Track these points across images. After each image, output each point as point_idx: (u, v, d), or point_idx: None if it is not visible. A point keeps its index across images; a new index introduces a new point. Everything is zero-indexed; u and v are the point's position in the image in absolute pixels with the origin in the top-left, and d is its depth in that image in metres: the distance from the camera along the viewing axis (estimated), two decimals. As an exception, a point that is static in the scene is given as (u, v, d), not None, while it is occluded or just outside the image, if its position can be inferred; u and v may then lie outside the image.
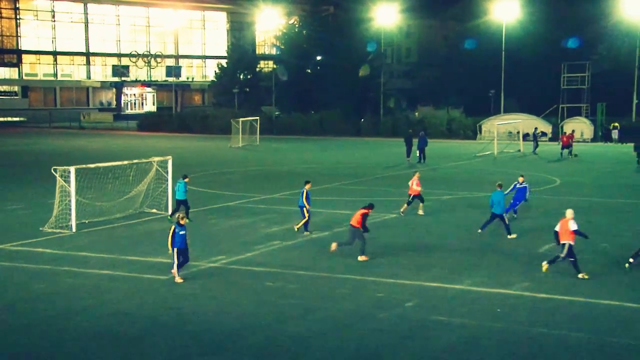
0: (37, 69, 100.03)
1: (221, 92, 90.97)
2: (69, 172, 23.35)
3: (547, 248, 20.89)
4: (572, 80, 67.08)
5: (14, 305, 15.87)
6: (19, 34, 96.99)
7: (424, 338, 13.72)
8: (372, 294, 16.49)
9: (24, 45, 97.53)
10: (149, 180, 26.81)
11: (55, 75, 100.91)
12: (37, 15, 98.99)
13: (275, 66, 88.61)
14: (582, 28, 76.29)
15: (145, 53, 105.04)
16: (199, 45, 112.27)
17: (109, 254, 20.34)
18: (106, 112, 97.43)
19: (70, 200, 23.34)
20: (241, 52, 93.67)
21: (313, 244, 21.60)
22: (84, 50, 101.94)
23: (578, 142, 51.20)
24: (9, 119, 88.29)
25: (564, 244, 17.62)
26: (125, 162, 27.79)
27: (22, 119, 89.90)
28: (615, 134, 58.03)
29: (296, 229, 22.81)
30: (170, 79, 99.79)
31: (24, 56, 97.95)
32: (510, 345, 13.39)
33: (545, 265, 18.01)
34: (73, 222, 23.32)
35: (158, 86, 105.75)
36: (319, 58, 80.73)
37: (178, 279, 17.39)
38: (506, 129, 58.34)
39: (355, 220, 19.78)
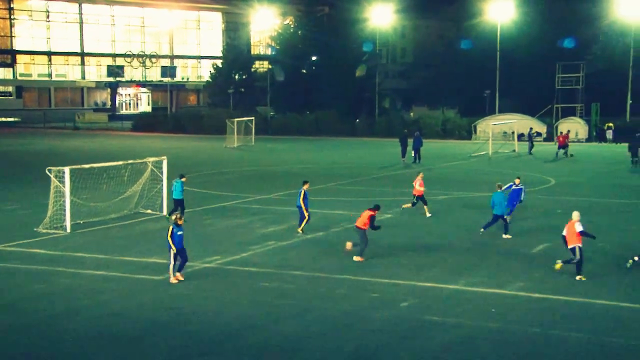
0: (31, 69, 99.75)
1: (216, 93, 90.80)
2: (64, 172, 23.31)
3: (542, 248, 20.95)
4: (566, 80, 67.21)
5: (12, 305, 15.84)
6: (13, 34, 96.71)
7: (420, 338, 13.73)
8: (368, 294, 16.49)
9: (18, 46, 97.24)
10: (144, 181, 26.77)
11: (50, 75, 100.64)
12: (31, 15, 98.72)
13: (270, 66, 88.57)
14: (576, 28, 76.48)
15: (140, 53, 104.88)
16: (194, 46, 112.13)
17: (103, 254, 20.30)
18: (101, 113, 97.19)
19: (64, 201, 23.30)
20: (236, 53, 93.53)
21: (309, 244, 21.60)
22: (79, 51, 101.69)
23: (572, 142, 51.29)
24: (3, 119, 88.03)
25: (572, 248, 17.52)
26: (120, 163, 27.75)
27: (16, 119, 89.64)
28: (609, 134, 58.16)
29: (300, 232, 22.76)
30: (165, 79, 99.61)
31: (18, 56, 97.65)
32: (509, 345, 13.40)
33: (559, 263, 17.85)
34: (68, 223, 23.28)
35: (153, 86, 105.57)
36: (314, 58, 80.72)
37: (173, 280, 17.38)
38: (501, 129, 58.42)
39: (361, 222, 19.70)
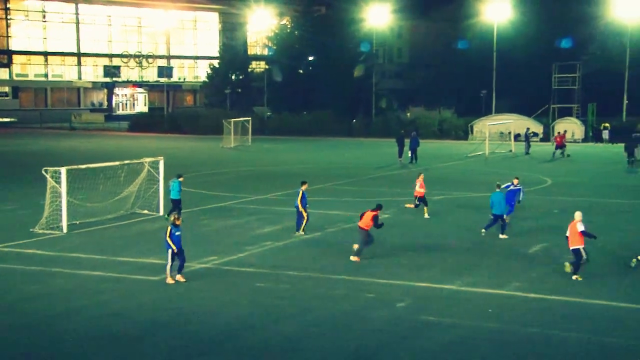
0: (27, 69, 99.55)
1: (213, 93, 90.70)
2: (60, 173, 23.27)
3: (539, 248, 20.96)
4: (563, 80, 67.28)
5: (11, 306, 15.81)
6: (9, 34, 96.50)
7: (419, 338, 13.73)
8: (364, 295, 16.49)
9: (14, 46, 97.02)
10: (140, 181, 26.74)
11: (46, 75, 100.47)
12: (27, 16, 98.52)
13: (267, 67, 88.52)
14: (573, 29, 76.57)
15: (137, 53, 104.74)
16: (191, 46, 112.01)
17: (100, 255, 20.27)
18: (97, 113, 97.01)
19: (61, 201, 23.26)
20: (233, 53, 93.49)
21: (306, 245, 21.59)
22: (75, 51, 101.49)
23: (569, 142, 51.35)
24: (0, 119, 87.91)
25: (576, 249, 17.43)
26: (117, 163, 27.71)
27: (12, 119, 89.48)
28: (605, 134, 58.25)
29: (302, 233, 22.71)
30: (162, 80, 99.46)
31: (14, 56, 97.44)
32: (508, 345, 13.39)
33: (568, 267, 17.72)
34: (64, 223, 23.23)
35: (149, 87, 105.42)
36: (310, 58, 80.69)
37: (169, 280, 17.36)
38: (497, 129, 58.47)
39: (363, 223, 19.63)
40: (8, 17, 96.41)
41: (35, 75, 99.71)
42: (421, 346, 13.36)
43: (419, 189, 25.98)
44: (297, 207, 22.57)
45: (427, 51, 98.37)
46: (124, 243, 21.87)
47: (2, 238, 22.19)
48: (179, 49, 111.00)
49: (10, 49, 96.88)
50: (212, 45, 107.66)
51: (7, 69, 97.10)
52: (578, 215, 17.72)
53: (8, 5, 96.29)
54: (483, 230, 22.48)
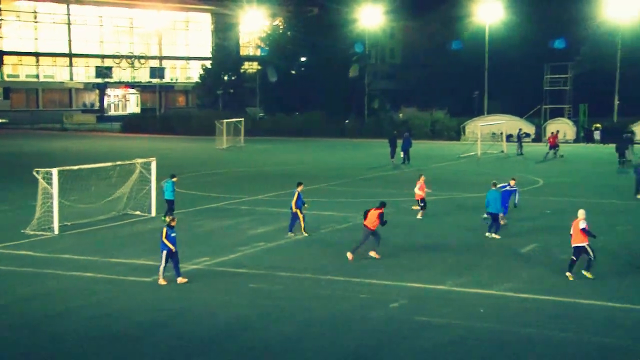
0: (19, 70, 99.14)
1: (205, 94, 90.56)
2: (51, 174, 23.19)
3: (531, 248, 21.02)
4: (554, 81, 67.49)
5: (4, 307, 15.75)
6: (0, 35, 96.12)
7: (412, 338, 13.73)
8: (357, 295, 16.49)
9: (5, 47, 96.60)
10: (132, 182, 26.68)
11: (38, 76, 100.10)
12: (19, 16, 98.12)
13: (259, 67, 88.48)
14: (564, 29, 76.79)
15: (129, 54, 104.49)
16: (183, 47, 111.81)
17: (92, 256, 20.21)
18: (89, 114, 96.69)
19: (52, 202, 23.17)
20: (225, 54, 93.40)
21: (298, 245, 21.58)
22: (67, 51, 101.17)
23: (561, 143, 51.49)
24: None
25: (578, 247, 17.45)
26: (109, 164, 27.65)
27: (3, 120, 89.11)
28: (597, 135, 58.46)
29: (305, 233, 22.70)
30: (154, 80, 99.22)
31: (5, 57, 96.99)
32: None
33: (587, 273, 17.66)
34: (55, 225, 23.16)
35: (142, 87, 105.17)
36: (303, 59, 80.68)
37: (162, 281, 17.33)
38: (489, 130, 58.62)
39: (370, 222, 19.59)
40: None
41: (27, 76, 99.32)
42: (421, 346, 13.37)
43: (418, 191, 25.89)
44: (291, 208, 22.55)
45: (420, 52, 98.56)
46: (116, 244, 21.81)
47: (-6, 239, 22.11)
48: (171, 50, 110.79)
49: (1, 49, 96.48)
50: (204, 46, 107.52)
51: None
52: (581, 213, 17.70)
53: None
54: (487, 233, 22.34)
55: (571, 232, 17.81)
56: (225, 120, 58.56)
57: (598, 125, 59.12)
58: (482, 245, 21.41)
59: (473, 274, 18.20)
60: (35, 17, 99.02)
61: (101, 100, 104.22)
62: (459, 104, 77.54)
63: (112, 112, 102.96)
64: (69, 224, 23.98)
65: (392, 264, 19.30)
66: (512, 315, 15.05)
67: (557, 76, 67.36)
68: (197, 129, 70.74)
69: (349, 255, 19.65)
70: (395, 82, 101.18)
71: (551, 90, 67.62)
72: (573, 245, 17.66)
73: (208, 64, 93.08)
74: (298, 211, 22.49)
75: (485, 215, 23.51)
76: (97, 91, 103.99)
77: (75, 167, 25.49)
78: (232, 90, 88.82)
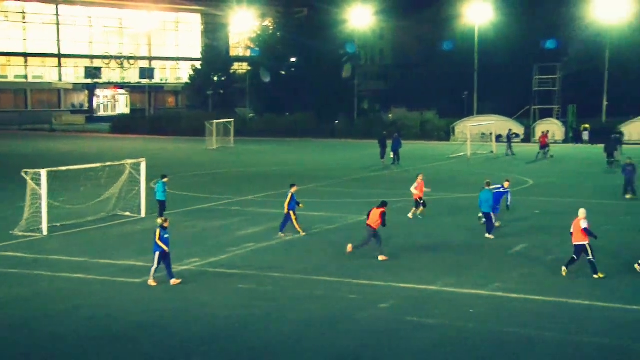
0: (7, 70, 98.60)
1: (195, 94, 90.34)
2: (40, 174, 23.09)
3: (519, 249, 21.09)
4: (543, 82, 67.76)
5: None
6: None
7: (402, 339, 13.75)
8: (346, 296, 16.50)
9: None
10: (122, 183, 26.60)
11: (26, 77, 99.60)
12: (7, 16, 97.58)
13: (249, 68, 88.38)
14: (553, 31, 77.12)
15: (118, 55, 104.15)
16: (173, 47, 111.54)
17: (81, 257, 20.14)
18: (78, 114, 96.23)
19: (41, 203, 23.07)
20: (215, 54, 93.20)
21: (288, 246, 21.59)
22: (56, 52, 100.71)
23: (550, 143, 51.69)
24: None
25: (579, 246, 17.49)
26: (98, 165, 27.56)
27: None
28: (585, 136, 58.73)
29: (302, 233, 22.69)
30: (144, 81, 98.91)
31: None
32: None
33: (600, 274, 17.59)
34: (44, 226, 23.06)
35: (131, 88, 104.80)
36: (293, 60, 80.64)
37: (152, 282, 17.30)
38: (479, 130, 58.79)
39: (373, 221, 19.58)
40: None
41: (15, 77, 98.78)
42: (418, 346, 13.39)
43: (414, 190, 25.89)
44: (291, 209, 22.53)
45: (409, 52, 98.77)
46: (105, 245, 21.74)
47: (-18, 241, 21.98)
48: (160, 50, 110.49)
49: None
50: (194, 47, 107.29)
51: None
52: (582, 212, 17.69)
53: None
54: (487, 234, 22.42)
55: (571, 231, 17.83)
56: (215, 121, 58.46)
57: (587, 125, 59.39)
58: (478, 246, 21.40)
59: (472, 274, 18.19)
60: (24, 18, 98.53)
61: (90, 101, 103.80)
62: (448, 105, 77.67)
63: (101, 113, 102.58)
64: (58, 225, 23.88)
65: (379, 264, 19.31)
66: (511, 315, 15.08)
67: (546, 77, 67.64)
68: (186, 130, 70.57)
69: (349, 247, 19.74)
70: (385, 83, 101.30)
71: (540, 90, 67.90)
72: (574, 243, 17.70)
73: (198, 64, 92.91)
74: (291, 212, 22.49)
75: (480, 215, 23.57)
76: (86, 92, 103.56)
77: (64, 168, 25.39)
78: (222, 91, 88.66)
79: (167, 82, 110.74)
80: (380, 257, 19.51)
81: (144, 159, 27.12)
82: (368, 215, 19.82)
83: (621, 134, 52.13)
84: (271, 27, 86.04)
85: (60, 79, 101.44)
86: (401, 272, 18.52)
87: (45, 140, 66.04)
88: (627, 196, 30.28)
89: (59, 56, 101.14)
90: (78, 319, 15.02)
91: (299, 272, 18.44)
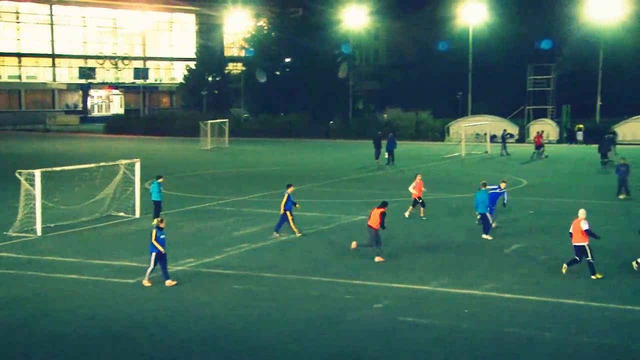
0: (1, 70, 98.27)
1: (189, 94, 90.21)
2: (34, 175, 23.01)
3: (515, 248, 21.11)
4: (537, 82, 67.88)
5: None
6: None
7: (394, 339, 13.75)
8: (342, 296, 16.49)
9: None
10: (116, 183, 26.53)
11: (20, 77, 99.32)
12: (1, 17, 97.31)
13: (244, 68, 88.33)
14: (547, 31, 77.27)
15: (112, 55, 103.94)
16: (167, 47, 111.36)
17: (75, 257, 20.08)
18: (72, 115, 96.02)
19: (35, 204, 23.00)
20: (209, 54, 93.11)
21: (283, 246, 21.56)
22: (50, 52, 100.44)
23: (544, 143, 51.81)
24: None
25: (580, 246, 17.46)
26: (92, 165, 27.48)
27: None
28: (579, 136, 58.86)
29: (298, 234, 22.66)
30: (138, 81, 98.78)
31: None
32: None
33: (598, 275, 17.49)
34: (38, 226, 22.98)
35: (125, 88, 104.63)
36: (287, 60, 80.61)
37: (146, 282, 17.26)
38: (473, 130, 58.87)
39: (373, 221, 19.57)
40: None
41: (9, 77, 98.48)
42: (404, 347, 13.38)
43: (412, 190, 25.84)
44: (288, 209, 22.50)
45: (404, 53, 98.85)
46: (99, 246, 21.69)
47: (-25, 241, 21.90)
48: (155, 51, 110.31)
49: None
50: (188, 47, 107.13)
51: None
52: (582, 213, 17.64)
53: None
54: (484, 235, 22.37)
55: (571, 231, 17.82)
56: (209, 121, 58.39)
57: (581, 125, 59.52)
58: (478, 246, 21.38)
59: (471, 274, 18.17)
60: (18, 18, 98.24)
61: (84, 101, 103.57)
62: (443, 105, 77.80)
63: (95, 113, 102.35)
64: (52, 225, 23.80)
65: (374, 264, 19.30)
66: (511, 315, 15.06)
67: (540, 77, 67.77)
68: (181, 130, 70.49)
69: (353, 244, 19.85)
70: (380, 83, 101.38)
71: (534, 91, 68.01)
72: (574, 244, 17.68)
73: (192, 64, 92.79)
74: (288, 213, 22.48)
75: (478, 216, 23.60)
76: (80, 92, 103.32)
77: (58, 169, 25.32)
78: (216, 91, 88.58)
79: (162, 82, 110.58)
80: (377, 259, 19.49)
81: (138, 159, 27.06)
82: (369, 215, 19.82)
83: (615, 134, 52.24)
84: (266, 28, 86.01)
85: (54, 79, 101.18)
86: (400, 272, 18.50)
87: (39, 141, 65.87)
88: (621, 196, 30.35)
89: (53, 56, 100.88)
90: (78, 319, 14.98)
91: (295, 272, 18.42)
